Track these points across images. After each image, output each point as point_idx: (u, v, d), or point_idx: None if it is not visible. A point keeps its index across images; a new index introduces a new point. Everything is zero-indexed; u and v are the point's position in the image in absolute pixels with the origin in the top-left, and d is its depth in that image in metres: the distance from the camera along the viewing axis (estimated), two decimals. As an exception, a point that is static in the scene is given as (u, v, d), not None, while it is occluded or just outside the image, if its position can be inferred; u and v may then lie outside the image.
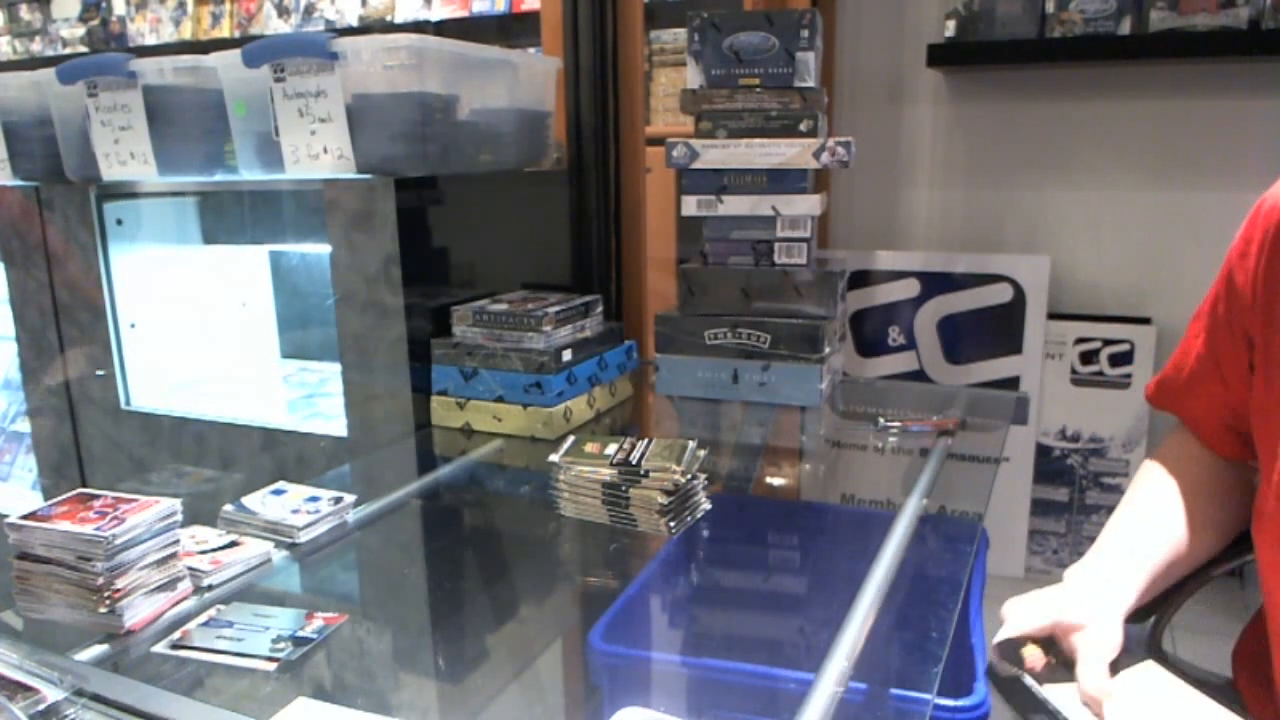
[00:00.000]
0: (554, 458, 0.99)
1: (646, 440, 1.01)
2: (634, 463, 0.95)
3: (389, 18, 3.00)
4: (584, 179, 1.61)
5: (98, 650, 0.74)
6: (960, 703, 0.92)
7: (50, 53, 3.66)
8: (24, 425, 1.85)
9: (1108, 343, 1.81)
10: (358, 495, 1.02)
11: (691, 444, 0.99)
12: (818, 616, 1.12)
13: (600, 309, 1.39)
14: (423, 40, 1.22)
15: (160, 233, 1.61)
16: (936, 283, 1.88)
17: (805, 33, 1.29)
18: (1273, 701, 0.82)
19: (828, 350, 1.33)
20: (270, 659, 0.74)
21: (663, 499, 0.93)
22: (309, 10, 3.13)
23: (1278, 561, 0.78)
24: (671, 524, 0.93)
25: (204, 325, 1.74)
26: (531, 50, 1.87)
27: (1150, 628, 0.99)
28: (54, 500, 0.78)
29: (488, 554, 1.12)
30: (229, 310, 1.75)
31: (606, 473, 0.96)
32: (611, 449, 0.99)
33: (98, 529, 0.73)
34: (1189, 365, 0.93)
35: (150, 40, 3.46)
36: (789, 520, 1.32)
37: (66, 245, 1.56)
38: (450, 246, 1.37)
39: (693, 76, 1.35)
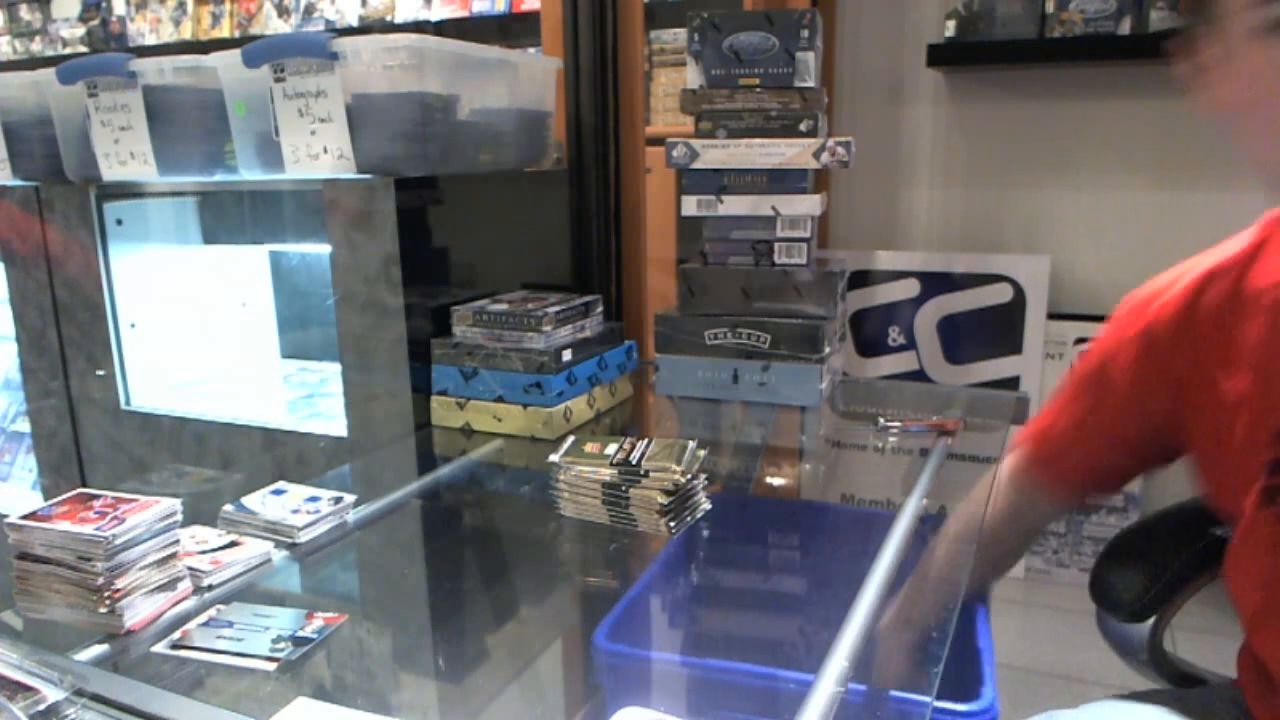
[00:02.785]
0: (554, 458, 0.99)
1: (646, 440, 1.01)
2: (634, 462, 0.95)
3: (389, 18, 3.00)
4: (584, 179, 1.61)
5: (98, 650, 0.74)
6: (969, 707, 0.91)
7: (50, 53, 3.67)
8: (24, 425, 1.85)
9: (1108, 343, 1.81)
10: (358, 495, 1.01)
11: (691, 444, 0.99)
12: (818, 616, 1.12)
13: (600, 309, 1.39)
14: (423, 40, 1.22)
15: (160, 233, 1.61)
16: (936, 283, 1.88)
17: (805, 33, 1.29)
18: (1275, 704, 0.82)
19: (828, 350, 1.33)
20: (270, 659, 0.74)
21: (663, 499, 0.93)
22: (309, 10, 3.13)
23: (1253, 600, 0.80)
24: (671, 524, 0.93)
25: (204, 325, 1.74)
26: (531, 50, 1.87)
27: (1150, 628, 0.99)
28: (54, 500, 0.78)
29: (488, 554, 1.12)
30: (229, 310, 1.75)
31: (606, 473, 0.96)
32: (611, 449, 0.99)
33: (98, 529, 0.73)
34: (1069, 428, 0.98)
35: (150, 40, 3.46)
36: (789, 520, 1.32)
37: (66, 245, 1.56)
38: (450, 246, 1.37)
39: (693, 76, 1.35)
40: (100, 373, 1.58)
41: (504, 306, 1.30)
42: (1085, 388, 0.95)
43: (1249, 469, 0.74)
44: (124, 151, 1.45)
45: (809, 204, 1.33)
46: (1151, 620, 0.98)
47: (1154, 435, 0.89)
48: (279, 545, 0.92)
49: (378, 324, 1.27)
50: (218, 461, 1.49)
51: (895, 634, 0.85)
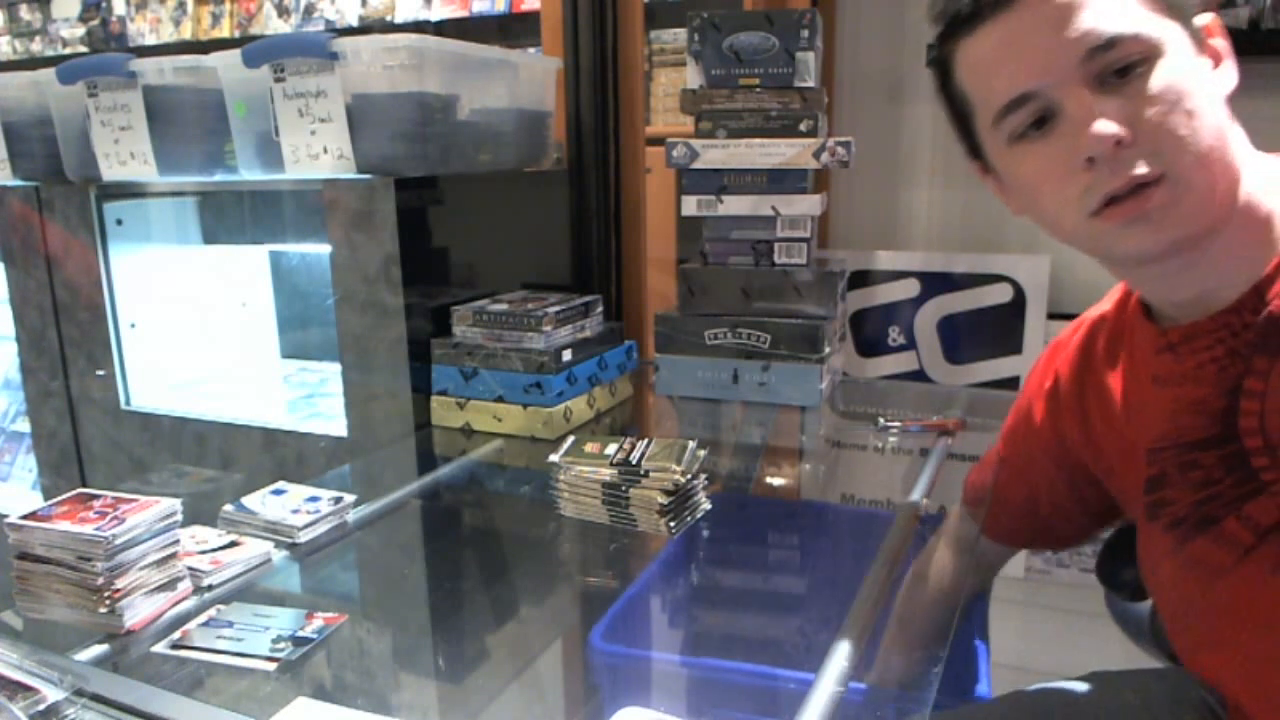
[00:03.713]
0: (554, 458, 0.99)
1: (646, 440, 1.01)
2: (634, 463, 0.95)
3: (389, 18, 3.00)
4: (584, 179, 1.61)
5: (98, 650, 0.74)
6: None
7: (50, 53, 3.66)
8: (24, 425, 1.85)
9: (1108, 343, 1.81)
10: (358, 495, 1.01)
11: (691, 444, 0.99)
12: (818, 616, 1.12)
13: (600, 309, 1.39)
14: (423, 40, 1.22)
15: (160, 233, 1.61)
16: (936, 283, 1.88)
17: (805, 33, 1.29)
18: None
19: (828, 350, 1.33)
20: (270, 659, 0.74)
21: (663, 499, 0.93)
22: (309, 10, 3.13)
23: (1164, 605, 0.86)
24: (671, 524, 0.93)
25: (204, 325, 1.74)
26: (531, 50, 1.87)
27: (1151, 609, 1.00)
28: (54, 500, 0.78)
29: (488, 554, 1.12)
30: (229, 310, 1.75)
31: (606, 473, 0.96)
32: (611, 449, 0.99)
33: (98, 529, 0.73)
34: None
35: (150, 40, 3.45)
36: (789, 520, 1.32)
37: (66, 245, 1.56)
38: (450, 246, 1.36)
39: (693, 76, 1.35)
40: (100, 373, 1.58)
41: (504, 306, 1.30)
42: (1014, 437, 1.01)
43: (1134, 490, 0.82)
44: (124, 151, 1.45)
45: (809, 204, 1.33)
46: (1150, 601, 0.99)
47: (1082, 477, 0.94)
48: (279, 545, 0.92)
49: (378, 324, 1.27)
50: (218, 461, 1.49)
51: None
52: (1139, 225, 0.67)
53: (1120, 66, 0.66)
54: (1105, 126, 0.64)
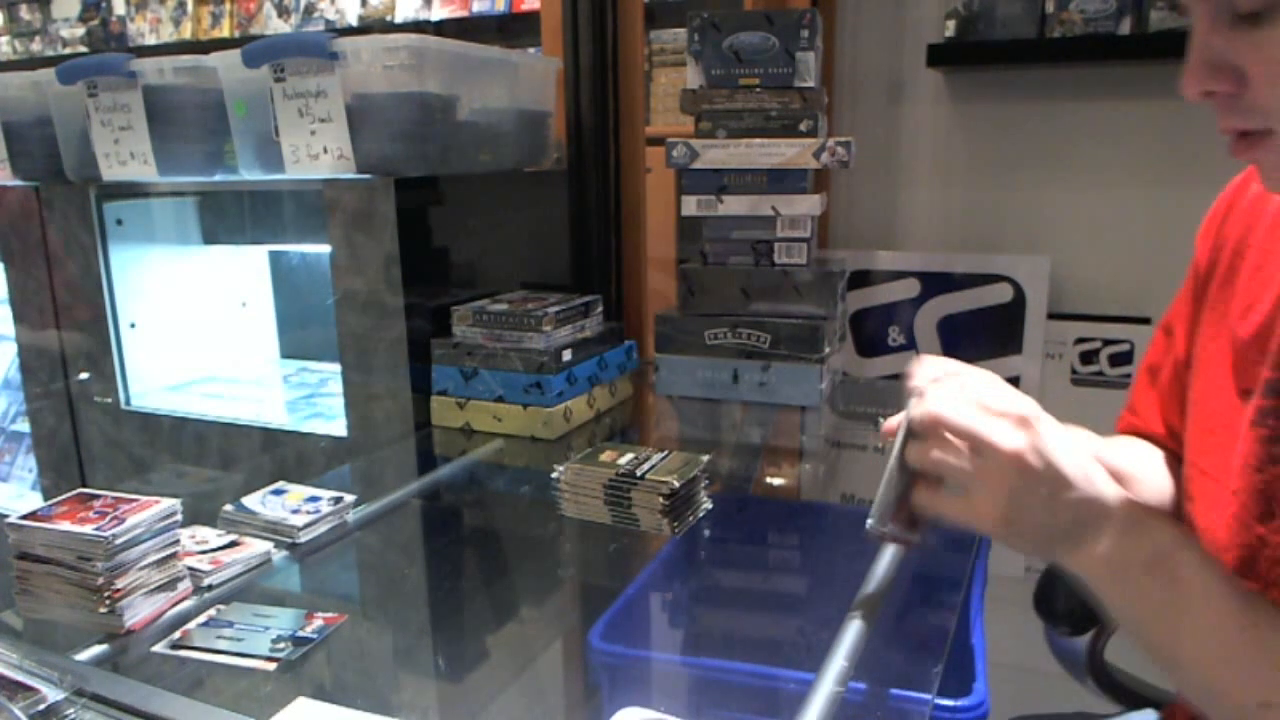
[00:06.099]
0: (563, 466, 0.99)
1: (665, 453, 1.01)
2: (640, 477, 0.96)
3: (389, 18, 3.00)
4: (584, 179, 1.61)
5: (98, 650, 0.74)
6: (959, 702, 0.91)
7: (50, 53, 3.66)
8: (24, 425, 1.85)
9: (1108, 343, 1.81)
10: (358, 495, 1.02)
11: (705, 458, 0.99)
12: (818, 616, 1.12)
13: (600, 309, 1.39)
14: (423, 40, 1.22)
15: (160, 233, 1.61)
16: (936, 283, 1.88)
17: (805, 33, 1.29)
18: None
19: (828, 350, 1.33)
20: (270, 659, 0.74)
21: (664, 499, 0.93)
22: (309, 10, 3.13)
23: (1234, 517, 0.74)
24: (674, 524, 0.93)
25: (204, 325, 1.74)
26: (531, 50, 1.87)
27: (1090, 640, 0.99)
28: (54, 500, 0.78)
29: (488, 554, 1.12)
30: (229, 310, 1.75)
31: (609, 472, 0.96)
32: (626, 459, 0.99)
33: (98, 529, 0.73)
34: None
35: (150, 40, 3.46)
36: (789, 520, 1.32)
37: (66, 245, 1.56)
38: (450, 246, 1.37)
39: (693, 76, 1.35)
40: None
41: (504, 306, 1.30)
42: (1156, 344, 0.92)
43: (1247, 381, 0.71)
44: (124, 151, 1.45)
45: (809, 204, 1.33)
46: (1091, 633, 0.98)
47: None
48: (279, 545, 0.92)
49: (378, 324, 1.27)
50: (218, 461, 1.49)
51: None
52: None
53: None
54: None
